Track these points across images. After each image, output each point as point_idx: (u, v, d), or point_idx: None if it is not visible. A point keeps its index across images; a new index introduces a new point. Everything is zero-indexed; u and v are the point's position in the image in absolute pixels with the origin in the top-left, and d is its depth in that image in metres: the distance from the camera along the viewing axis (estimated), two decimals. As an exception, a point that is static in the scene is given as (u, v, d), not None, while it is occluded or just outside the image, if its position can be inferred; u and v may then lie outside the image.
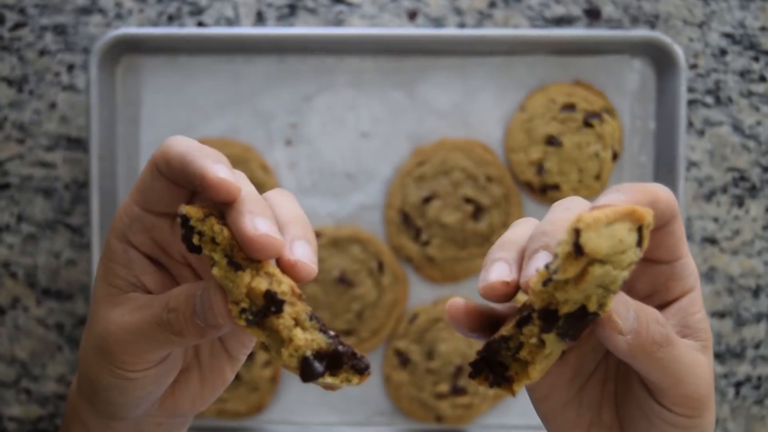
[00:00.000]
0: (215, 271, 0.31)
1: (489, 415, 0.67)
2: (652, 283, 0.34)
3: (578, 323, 0.29)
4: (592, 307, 0.29)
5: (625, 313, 0.30)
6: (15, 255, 0.68)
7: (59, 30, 0.67)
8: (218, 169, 0.31)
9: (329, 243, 0.65)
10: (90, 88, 0.63)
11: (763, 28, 0.67)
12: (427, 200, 0.64)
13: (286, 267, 0.32)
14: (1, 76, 0.67)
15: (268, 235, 0.31)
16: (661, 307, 0.33)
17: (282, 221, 0.33)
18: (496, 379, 0.32)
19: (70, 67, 0.67)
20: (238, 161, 0.64)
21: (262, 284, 0.31)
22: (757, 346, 0.68)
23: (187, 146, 0.32)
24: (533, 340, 0.30)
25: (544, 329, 0.30)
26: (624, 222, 0.28)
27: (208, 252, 0.32)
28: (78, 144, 0.67)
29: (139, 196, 0.34)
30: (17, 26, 0.67)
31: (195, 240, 0.32)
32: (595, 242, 0.27)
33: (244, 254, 0.31)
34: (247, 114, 0.66)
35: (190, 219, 0.31)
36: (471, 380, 0.33)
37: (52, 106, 0.67)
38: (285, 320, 0.32)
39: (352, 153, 0.66)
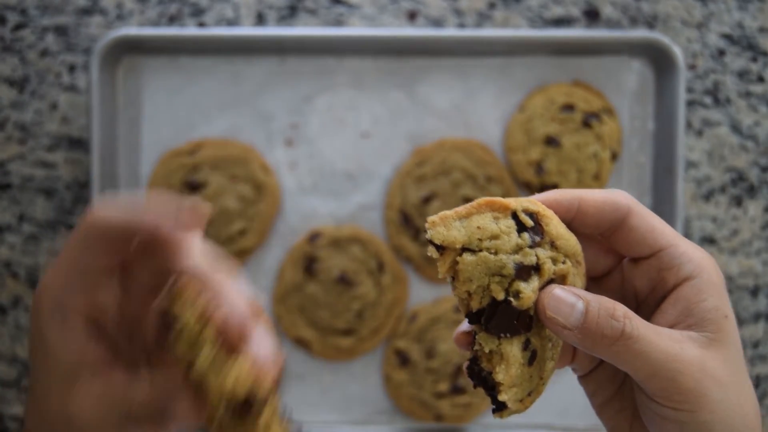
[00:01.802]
0: (200, 364, 0.29)
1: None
2: (649, 279, 0.34)
3: (501, 316, 0.30)
4: (498, 295, 0.30)
5: (567, 308, 0.30)
6: (16, 255, 0.68)
7: (60, 31, 0.67)
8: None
9: (329, 243, 0.65)
10: (91, 89, 0.63)
11: (761, 29, 0.67)
12: (427, 200, 0.65)
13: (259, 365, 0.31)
14: (3, 77, 0.67)
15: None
16: (663, 299, 0.33)
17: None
18: (488, 393, 0.32)
19: (72, 68, 0.67)
20: (238, 161, 0.65)
21: (244, 382, 0.29)
22: (755, 345, 0.69)
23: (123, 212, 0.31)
24: (476, 347, 0.31)
25: (477, 330, 0.31)
26: (483, 213, 0.30)
27: (186, 349, 0.29)
28: (79, 144, 0.67)
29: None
30: (19, 27, 0.67)
31: (181, 345, 0.30)
32: (444, 235, 0.29)
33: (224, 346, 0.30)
34: (247, 114, 0.66)
35: (176, 321, 0.29)
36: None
37: (54, 106, 0.67)
38: (262, 420, 0.30)
39: (352, 153, 0.66)
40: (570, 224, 0.33)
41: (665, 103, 0.64)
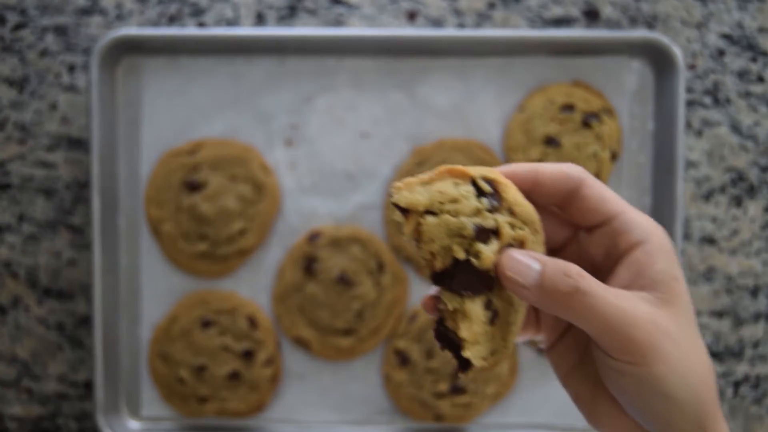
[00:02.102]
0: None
1: (488, 414, 0.67)
2: (603, 246, 0.36)
3: (462, 275, 0.32)
4: (459, 255, 0.32)
5: (524, 268, 0.33)
6: (16, 255, 0.68)
7: (60, 31, 0.67)
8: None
9: (329, 243, 0.65)
10: (91, 89, 0.63)
11: (761, 29, 0.67)
12: (427, 200, 0.65)
13: None
14: (3, 77, 0.67)
15: None
16: (617, 263, 0.35)
17: None
18: (454, 354, 0.34)
19: (71, 68, 0.67)
20: (238, 161, 0.65)
21: None
22: (755, 345, 0.69)
23: None
24: (441, 306, 0.33)
25: (441, 290, 0.33)
26: (444, 180, 0.33)
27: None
28: (79, 144, 0.67)
29: None
30: (18, 27, 0.67)
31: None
32: (408, 198, 0.32)
33: None
34: (247, 114, 0.66)
35: None
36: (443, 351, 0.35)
37: (53, 106, 0.67)
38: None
39: (352, 153, 0.66)
40: (528, 195, 0.35)
41: (665, 103, 0.65)
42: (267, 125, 0.66)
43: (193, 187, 0.64)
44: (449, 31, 0.66)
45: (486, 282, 0.33)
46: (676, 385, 0.32)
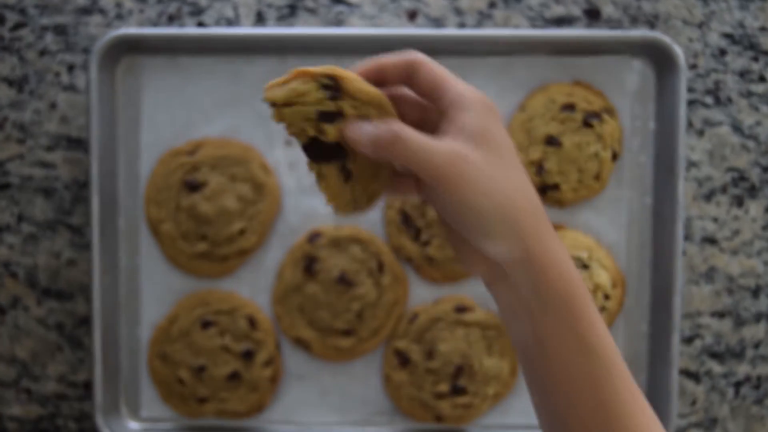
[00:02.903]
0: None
1: (489, 415, 0.67)
2: (441, 114, 0.43)
3: (316, 148, 0.44)
4: (310, 133, 0.43)
5: (359, 130, 0.42)
6: (15, 255, 0.68)
7: (59, 30, 0.67)
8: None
9: (329, 243, 0.65)
10: (90, 89, 0.63)
11: (762, 29, 0.67)
12: (427, 200, 0.64)
13: None
14: (2, 77, 0.67)
15: None
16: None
17: None
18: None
19: (71, 68, 0.67)
20: (238, 161, 0.65)
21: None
22: (756, 345, 0.68)
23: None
24: (310, 171, 0.45)
25: (308, 161, 0.45)
26: (296, 79, 0.43)
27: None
28: (78, 144, 0.67)
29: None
30: (17, 26, 0.67)
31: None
32: (271, 94, 0.43)
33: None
34: (247, 114, 0.66)
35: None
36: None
37: (53, 106, 0.67)
38: None
39: (352, 153, 0.66)
40: (378, 83, 0.44)
41: (666, 103, 0.64)
42: (267, 125, 0.66)
43: (193, 186, 0.64)
44: (450, 31, 0.66)
45: (337, 151, 0.44)
46: (481, 202, 0.40)
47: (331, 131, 0.43)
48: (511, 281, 0.42)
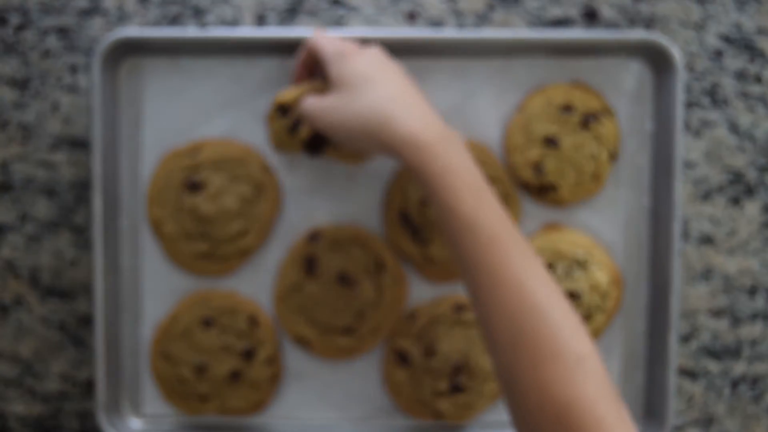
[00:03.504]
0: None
1: (488, 413, 0.67)
2: None
3: (311, 146, 0.62)
4: (299, 138, 0.62)
5: (299, 110, 0.59)
6: (19, 255, 0.68)
7: (62, 32, 0.67)
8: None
9: (329, 243, 0.65)
10: (93, 90, 0.63)
11: (759, 30, 0.68)
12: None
13: None
14: (5, 78, 0.67)
15: None
16: None
17: None
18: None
19: (73, 69, 0.67)
20: (239, 162, 0.65)
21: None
22: (753, 344, 0.69)
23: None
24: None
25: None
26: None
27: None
28: (81, 145, 0.68)
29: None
30: (20, 28, 0.67)
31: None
32: (282, 98, 0.61)
33: None
34: (248, 115, 0.66)
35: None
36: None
37: (55, 107, 0.67)
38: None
39: (352, 153, 0.66)
40: (314, 67, 0.61)
41: (663, 104, 0.65)
42: (267, 126, 0.66)
43: (194, 187, 0.65)
44: (449, 32, 0.66)
45: (322, 138, 0.62)
46: (344, 132, 0.54)
47: (302, 133, 0.62)
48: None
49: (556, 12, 0.67)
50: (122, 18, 0.67)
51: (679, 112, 0.63)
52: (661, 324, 0.65)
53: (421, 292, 0.67)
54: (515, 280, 0.47)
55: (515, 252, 0.48)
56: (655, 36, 0.64)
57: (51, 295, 0.68)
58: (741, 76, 0.68)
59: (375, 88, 0.53)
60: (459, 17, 0.67)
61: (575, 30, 0.67)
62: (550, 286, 0.48)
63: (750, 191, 0.68)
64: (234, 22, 0.67)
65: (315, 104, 0.56)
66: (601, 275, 0.64)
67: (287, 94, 0.61)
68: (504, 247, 0.48)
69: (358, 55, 0.56)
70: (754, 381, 0.69)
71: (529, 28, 0.67)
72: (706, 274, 0.68)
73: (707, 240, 0.68)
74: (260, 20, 0.67)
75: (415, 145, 0.50)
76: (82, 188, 0.68)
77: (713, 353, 0.69)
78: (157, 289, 0.67)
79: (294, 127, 0.61)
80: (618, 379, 0.67)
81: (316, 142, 0.61)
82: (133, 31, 0.64)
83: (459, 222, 0.49)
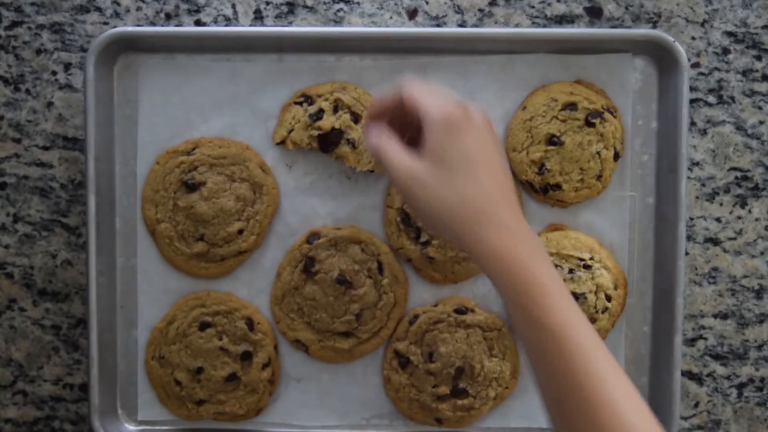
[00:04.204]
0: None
1: (490, 417, 0.66)
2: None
3: (324, 142, 0.63)
4: (315, 133, 0.63)
5: (365, 142, 0.54)
6: (11, 255, 0.67)
7: (56, 28, 0.66)
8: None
9: (329, 243, 0.64)
10: (87, 87, 0.62)
11: (765, 27, 0.67)
12: (427, 200, 0.64)
13: None
14: (-3, 75, 0.67)
15: None
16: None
17: None
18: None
19: (67, 66, 0.66)
20: (236, 160, 0.64)
21: None
22: (760, 347, 0.68)
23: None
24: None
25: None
26: (289, 109, 0.65)
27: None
28: (75, 143, 0.67)
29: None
30: (14, 25, 0.67)
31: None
32: (277, 137, 0.65)
33: None
34: (245, 113, 0.65)
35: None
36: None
37: (49, 105, 0.67)
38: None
39: (352, 152, 0.66)
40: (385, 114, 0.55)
41: (668, 102, 0.64)
42: (265, 124, 0.65)
43: (191, 186, 0.64)
44: (450, 29, 0.65)
45: (337, 135, 0.63)
46: (428, 213, 0.50)
47: (324, 124, 0.62)
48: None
49: (559, 8, 0.66)
50: (117, 14, 0.66)
51: (685, 110, 0.62)
52: (666, 326, 0.64)
53: (421, 294, 0.66)
54: (608, 403, 0.46)
55: (604, 365, 0.47)
56: (660, 33, 0.63)
57: (44, 297, 0.67)
58: (747, 73, 0.67)
59: (475, 178, 0.49)
60: (461, 13, 0.66)
61: (579, 27, 0.66)
62: (634, 400, 0.47)
63: (757, 191, 0.67)
64: (231, 19, 0.66)
65: (404, 165, 0.50)
66: (605, 276, 0.64)
67: (279, 128, 0.64)
68: (594, 361, 0.47)
69: (465, 133, 0.50)
70: (761, 384, 0.68)
71: (532, 24, 0.66)
72: (712, 275, 0.67)
73: (713, 240, 0.67)
74: (257, 16, 0.66)
75: (501, 258, 0.49)
76: (75, 187, 0.67)
77: (719, 356, 0.68)
78: (153, 291, 0.66)
79: (317, 118, 0.62)
80: (622, 383, 0.66)
81: (332, 138, 0.62)
82: (127, 27, 0.63)
83: (547, 334, 0.47)
